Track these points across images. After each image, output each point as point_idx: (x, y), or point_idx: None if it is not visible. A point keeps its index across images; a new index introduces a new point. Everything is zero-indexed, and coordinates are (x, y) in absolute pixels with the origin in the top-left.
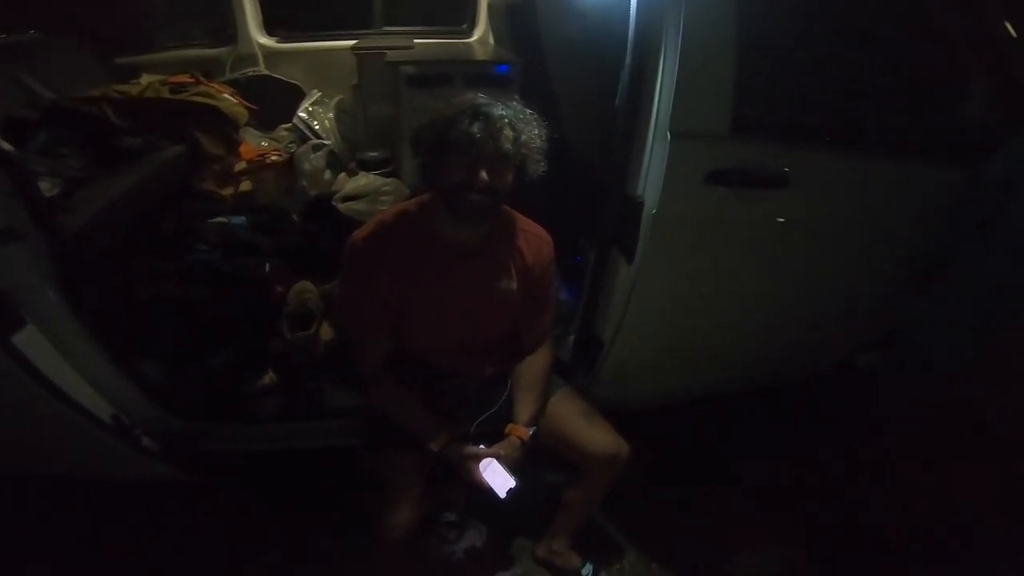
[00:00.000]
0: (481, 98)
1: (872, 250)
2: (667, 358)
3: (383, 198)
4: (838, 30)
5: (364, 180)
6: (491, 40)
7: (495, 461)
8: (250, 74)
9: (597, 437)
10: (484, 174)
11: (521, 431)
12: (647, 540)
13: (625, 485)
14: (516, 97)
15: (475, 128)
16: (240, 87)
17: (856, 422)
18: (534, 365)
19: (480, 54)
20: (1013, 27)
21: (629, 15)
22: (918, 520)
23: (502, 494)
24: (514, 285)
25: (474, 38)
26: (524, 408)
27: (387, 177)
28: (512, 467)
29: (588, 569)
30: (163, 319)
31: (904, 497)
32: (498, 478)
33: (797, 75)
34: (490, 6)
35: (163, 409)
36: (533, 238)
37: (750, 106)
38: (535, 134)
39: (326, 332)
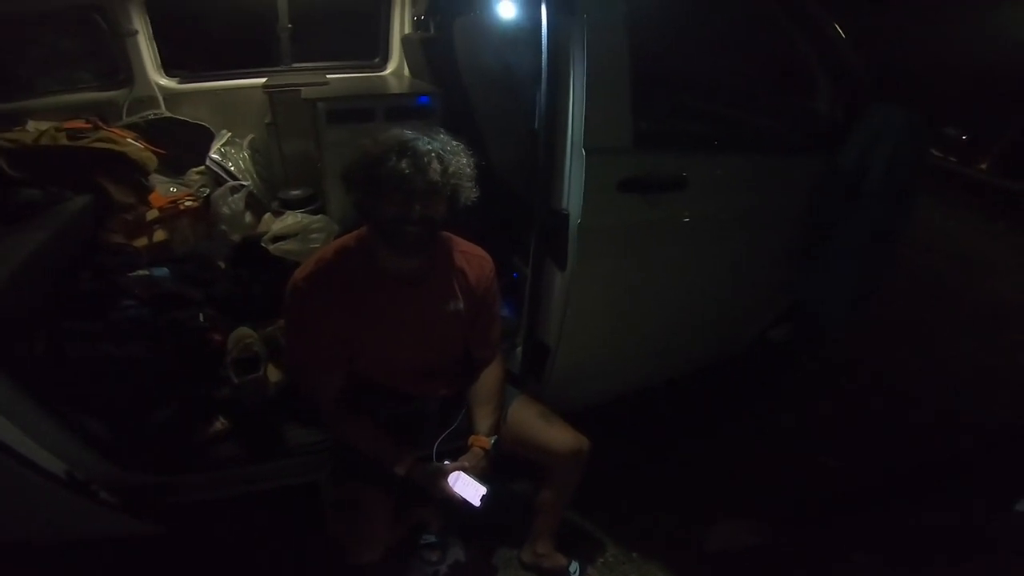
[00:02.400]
0: (407, 133)
1: (765, 234)
2: (608, 355)
3: (313, 235)
4: (713, 50)
5: (292, 219)
6: (406, 72)
7: (463, 473)
8: (151, 117)
9: (558, 435)
10: (417, 207)
11: (483, 441)
12: (622, 529)
13: (591, 479)
14: (439, 128)
15: (404, 164)
16: (142, 131)
17: (772, 392)
18: (488, 378)
19: (396, 87)
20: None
21: (540, 49)
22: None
23: (476, 502)
24: (461, 305)
25: (388, 71)
26: (483, 419)
27: (314, 214)
28: (480, 476)
29: (575, 567)
30: (101, 378)
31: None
32: (469, 488)
33: (684, 91)
34: (404, 39)
35: (115, 464)
36: (474, 258)
37: (648, 121)
38: (463, 163)
39: (273, 373)
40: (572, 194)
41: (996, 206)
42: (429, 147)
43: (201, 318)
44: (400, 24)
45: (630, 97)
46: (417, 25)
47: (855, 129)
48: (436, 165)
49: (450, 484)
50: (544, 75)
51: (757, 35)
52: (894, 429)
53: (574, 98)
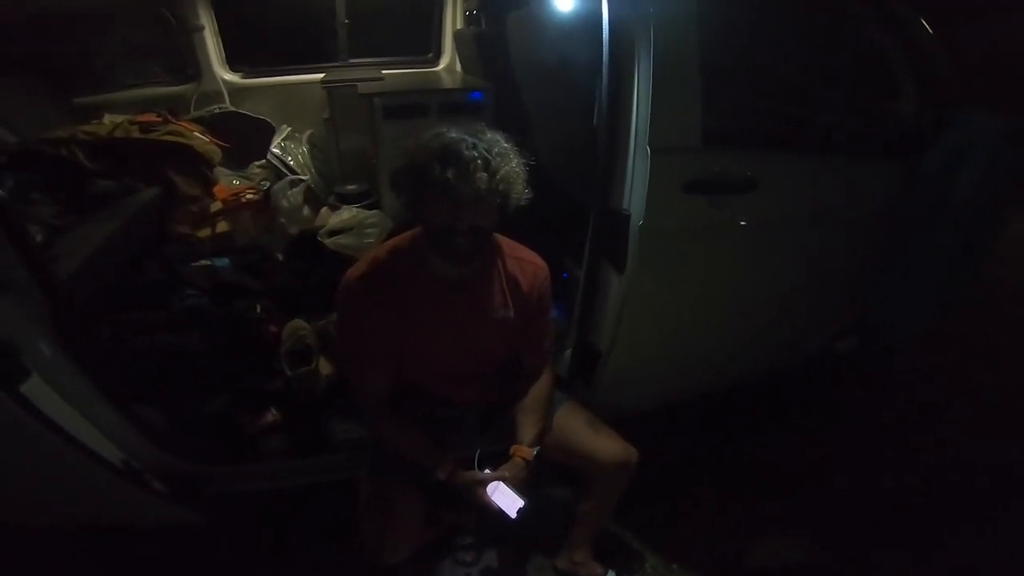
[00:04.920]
0: (451, 135)
1: (836, 241)
2: (662, 362)
3: (368, 231)
4: (787, 47)
5: (348, 214)
6: (458, 68)
7: (502, 483)
8: (217, 111)
9: (606, 445)
10: (465, 217)
11: (525, 452)
12: (663, 540)
13: (634, 490)
14: (485, 126)
15: (449, 174)
16: (208, 125)
17: (832, 406)
18: (537, 387)
19: (448, 82)
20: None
21: (601, 42)
22: (916, 495)
23: (512, 515)
24: (511, 313)
25: (441, 67)
26: (527, 429)
27: (369, 209)
28: (519, 488)
29: None
30: (161, 367)
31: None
32: (507, 499)
33: (755, 89)
34: (456, 34)
35: (170, 453)
36: (527, 265)
37: (717, 120)
38: (513, 166)
39: (325, 367)
40: (634, 194)
41: None
42: (475, 152)
43: (258, 309)
44: (452, 19)
45: (700, 93)
46: (469, 20)
47: (943, 135)
48: (482, 173)
49: (488, 494)
50: (606, 69)
51: (836, 31)
52: (955, 452)
53: (639, 94)
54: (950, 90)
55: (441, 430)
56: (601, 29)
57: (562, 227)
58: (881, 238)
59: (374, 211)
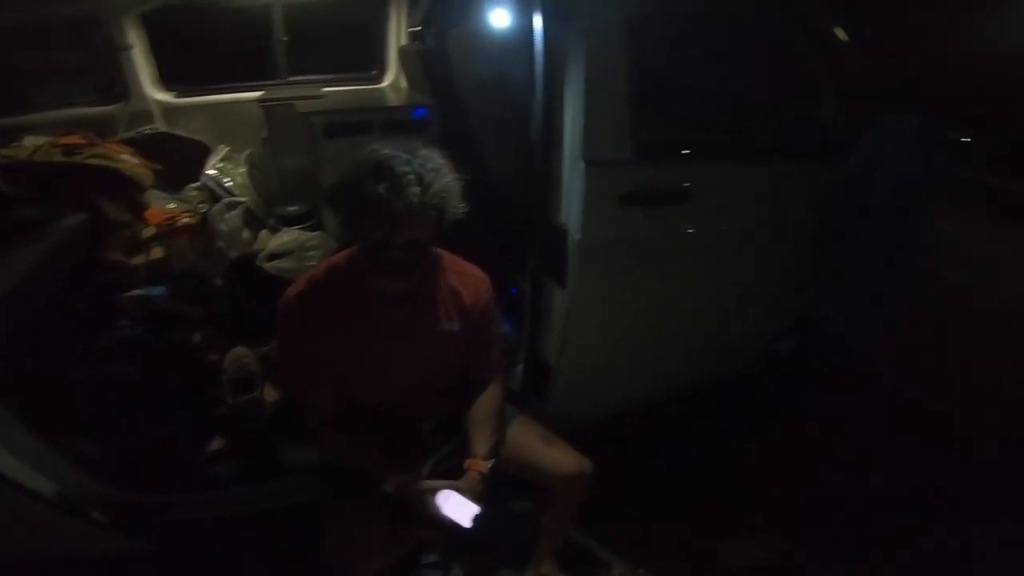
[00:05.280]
0: (385, 152)
1: (773, 246)
2: (610, 373)
3: (310, 253)
4: (716, 58)
5: (288, 236)
6: (403, 85)
7: (454, 493)
8: (148, 132)
9: (559, 458)
10: (399, 231)
11: (480, 464)
12: (629, 547)
13: (597, 495)
14: (422, 144)
15: (381, 188)
16: (139, 146)
17: (784, 405)
18: (487, 399)
19: (393, 99)
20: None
21: (535, 58)
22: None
23: (467, 523)
24: (456, 327)
25: (385, 84)
26: (481, 442)
27: (311, 231)
28: (476, 500)
29: None
30: (97, 399)
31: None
32: (460, 509)
33: (686, 101)
34: (401, 51)
35: (110, 484)
36: (469, 278)
37: (649, 132)
38: (447, 181)
39: (270, 393)
40: (571, 208)
41: (998, 207)
42: (408, 167)
43: (197, 338)
44: (396, 36)
45: (631, 106)
46: (413, 37)
47: (863, 138)
48: (415, 188)
49: (440, 504)
50: (539, 84)
51: (760, 41)
52: (910, 443)
53: (571, 108)
54: (868, 94)
55: (394, 447)
56: (535, 45)
57: (511, 242)
58: (816, 239)
59: (316, 233)
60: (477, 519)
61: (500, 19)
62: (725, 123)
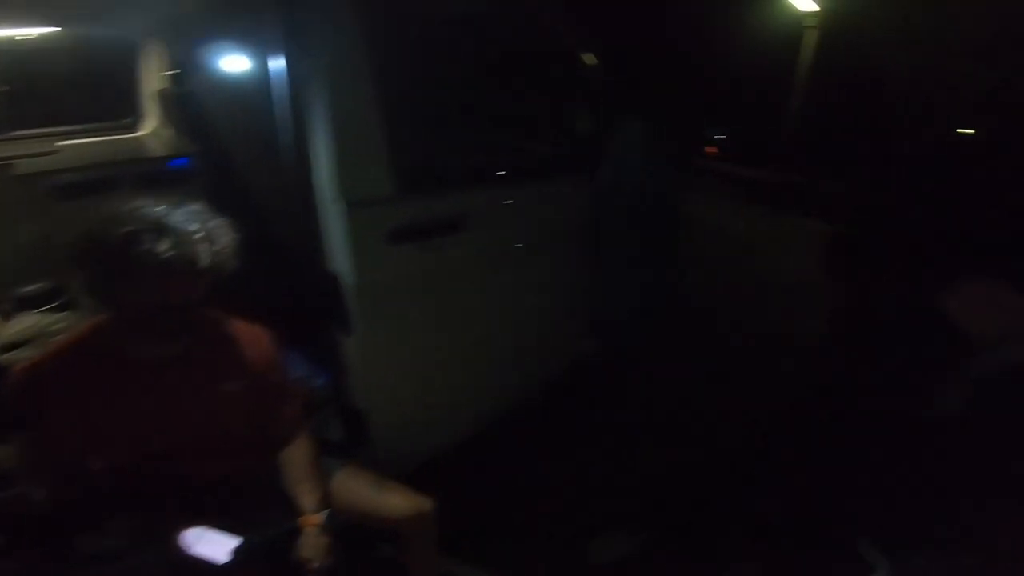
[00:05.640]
0: (141, 209)
1: (557, 256)
2: (428, 408)
3: (58, 339)
4: (474, 84)
5: (28, 321)
6: (168, 132)
7: (204, 531)
8: None
9: (395, 502)
10: (167, 290)
11: (313, 519)
12: (501, 564)
13: (455, 526)
14: (183, 198)
15: (161, 247)
16: None
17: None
18: (296, 455)
19: (154, 149)
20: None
21: (280, 99)
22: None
23: (225, 558)
24: (237, 386)
25: (143, 132)
26: (305, 498)
27: (58, 312)
28: (325, 553)
29: None
30: None
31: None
32: (214, 546)
33: (450, 128)
34: (162, 94)
35: None
36: (245, 334)
37: (411, 164)
38: (222, 236)
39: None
40: (338, 252)
41: (748, 194)
42: (184, 225)
43: None
44: (152, 79)
45: (386, 140)
46: (171, 80)
47: (609, 147)
48: (198, 246)
49: (189, 545)
50: (288, 125)
51: (515, 64)
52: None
53: (322, 148)
54: (612, 104)
55: (197, 516)
56: (279, 84)
57: (293, 292)
58: (592, 248)
59: (63, 314)
60: (240, 551)
61: (241, 60)
62: (493, 146)
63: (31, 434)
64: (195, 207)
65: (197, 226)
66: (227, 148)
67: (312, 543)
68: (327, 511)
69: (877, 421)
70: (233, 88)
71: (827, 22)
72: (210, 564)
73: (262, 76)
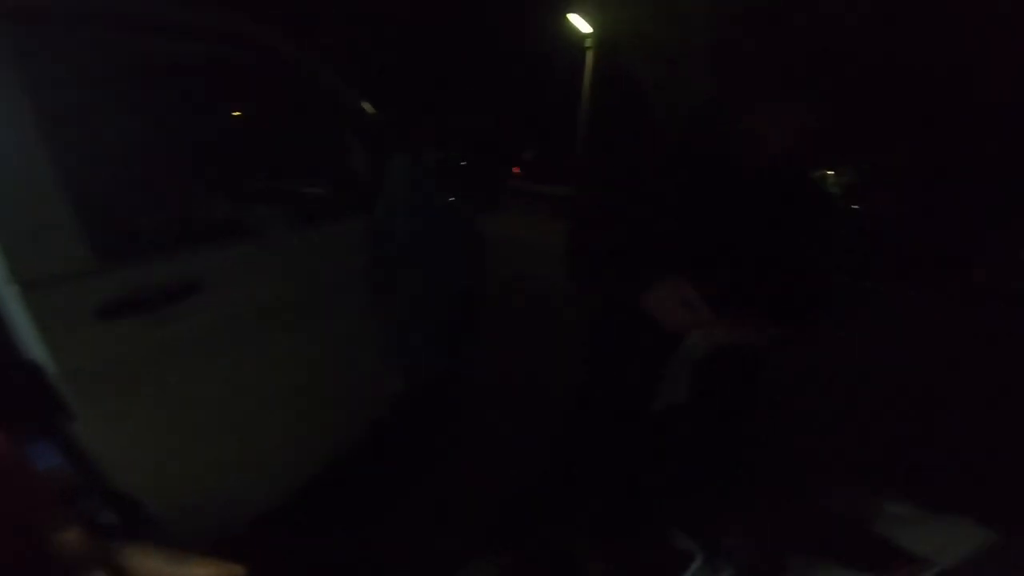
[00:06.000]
0: None
1: (338, 304)
2: (206, 484)
3: None
4: (197, 126)
5: None
6: None
7: None
8: None
9: (197, 573)
10: None
11: None
12: None
13: None
14: None
15: None
16: None
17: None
18: (67, 543)
19: None
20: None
21: None
22: None
23: None
24: None
25: None
26: None
27: None
28: None
29: None
30: None
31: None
32: None
33: (169, 183)
34: None
35: None
36: None
37: (119, 226)
38: None
39: None
40: (32, 340)
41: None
42: None
43: None
44: None
45: (75, 203)
46: None
47: (383, 182)
48: None
49: None
50: None
51: (258, 103)
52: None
53: None
54: (388, 141)
55: None
56: None
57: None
58: (376, 288)
59: None
60: None
61: None
62: (236, 195)
63: None
64: None
65: None
66: None
67: None
68: None
69: (626, 419)
70: None
71: (599, 42)
72: None
73: None
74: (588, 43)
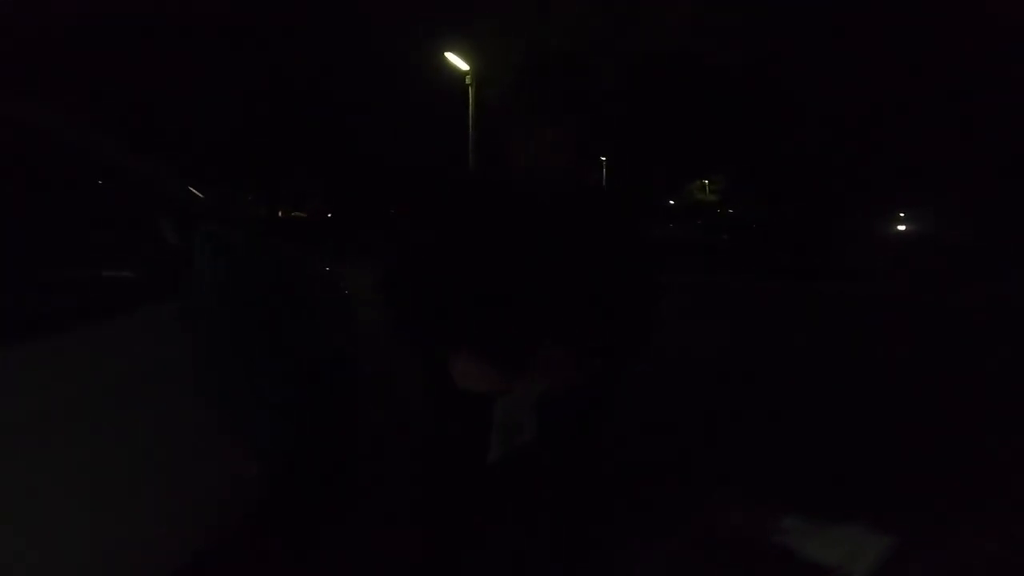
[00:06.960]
0: None
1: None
2: None
3: None
4: None
5: None
6: None
7: None
8: None
9: None
10: None
11: None
12: None
13: None
14: None
15: None
16: None
17: None
18: None
19: None
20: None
21: None
22: None
23: None
24: None
25: None
26: None
27: None
28: None
29: None
30: None
31: None
32: None
33: None
34: None
35: None
36: None
37: None
38: None
39: None
40: None
41: None
42: None
43: None
44: None
45: None
46: None
47: (192, 261)
48: None
49: None
50: None
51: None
52: None
53: None
54: (198, 215)
55: None
56: None
57: None
58: (202, 372)
59: None
60: None
61: None
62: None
63: None
64: None
65: None
66: None
67: None
68: None
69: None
70: None
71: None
72: None
73: None
74: (469, 80)
